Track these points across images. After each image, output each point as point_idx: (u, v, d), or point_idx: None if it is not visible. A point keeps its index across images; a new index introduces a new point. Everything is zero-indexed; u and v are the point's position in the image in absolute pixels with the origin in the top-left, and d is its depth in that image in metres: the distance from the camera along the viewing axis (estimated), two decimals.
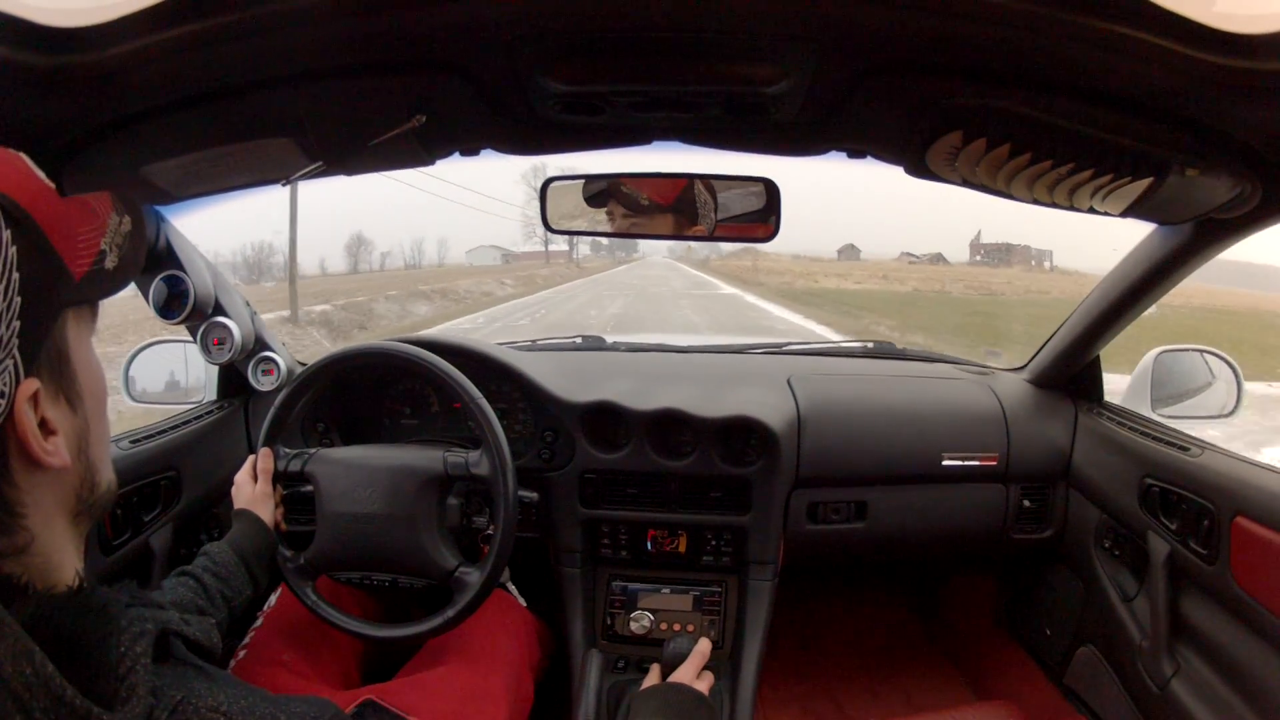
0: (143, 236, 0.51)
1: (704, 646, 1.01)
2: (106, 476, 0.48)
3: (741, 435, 1.26)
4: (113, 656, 0.40)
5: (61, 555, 0.44)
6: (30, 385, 0.40)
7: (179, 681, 0.43)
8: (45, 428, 0.42)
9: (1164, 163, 0.69)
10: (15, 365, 0.39)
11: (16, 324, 0.39)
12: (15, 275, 0.39)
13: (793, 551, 1.33)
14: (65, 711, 0.37)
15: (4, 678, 0.36)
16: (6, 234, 0.39)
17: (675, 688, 0.92)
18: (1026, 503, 1.39)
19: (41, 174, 0.45)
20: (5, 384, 0.39)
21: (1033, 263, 43.54)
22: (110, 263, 0.47)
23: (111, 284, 0.47)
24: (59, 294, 0.43)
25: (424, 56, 0.67)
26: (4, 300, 0.39)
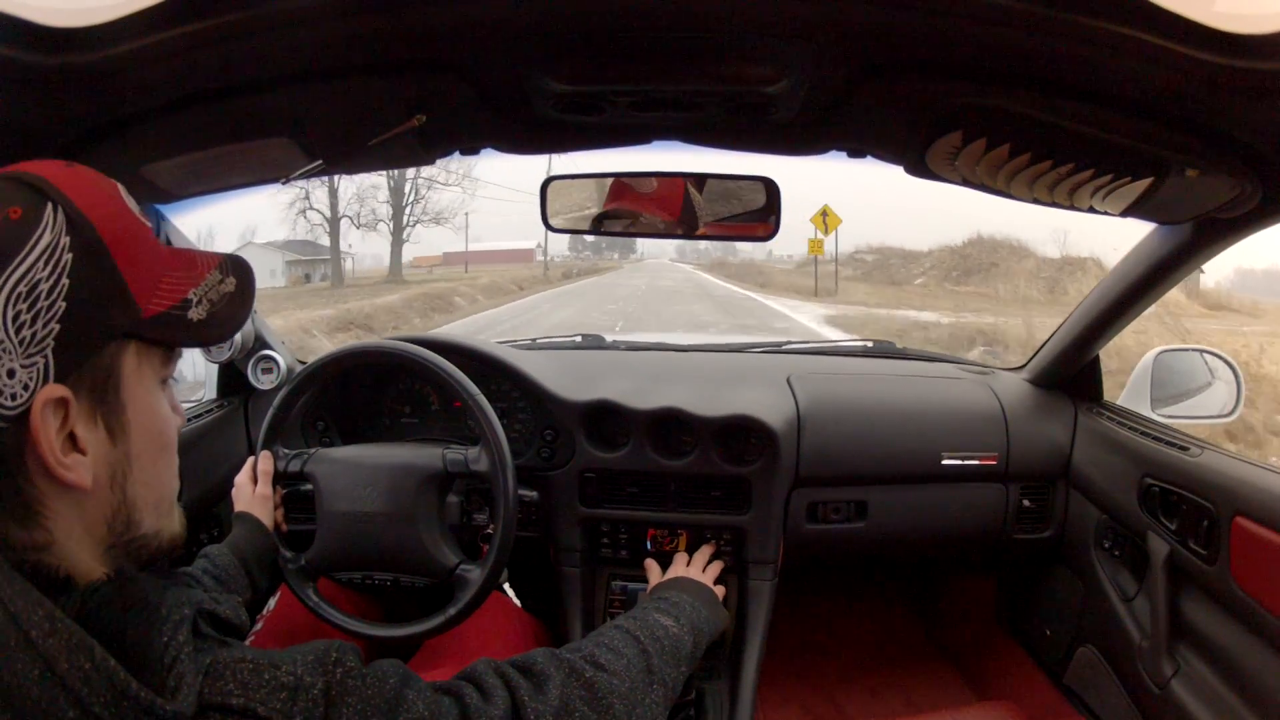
0: (245, 304, 0.52)
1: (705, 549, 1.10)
2: (153, 524, 0.48)
3: (741, 434, 1.26)
4: (158, 646, 0.40)
5: (89, 567, 0.44)
6: (55, 390, 0.40)
7: (205, 649, 0.44)
8: (75, 444, 0.42)
9: (1164, 163, 0.69)
10: (46, 365, 0.40)
11: (55, 327, 0.40)
12: (65, 281, 0.41)
13: (792, 551, 1.33)
14: (128, 704, 0.37)
15: (58, 673, 0.35)
16: (66, 239, 0.41)
17: (686, 580, 0.89)
18: (1026, 502, 1.38)
19: (134, 206, 0.47)
20: (31, 379, 0.40)
21: None
22: (195, 314, 0.48)
23: (191, 335, 0.48)
24: (114, 318, 0.44)
25: (424, 56, 0.67)
26: (47, 299, 0.40)
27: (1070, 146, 0.70)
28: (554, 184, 0.98)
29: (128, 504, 0.46)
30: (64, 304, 0.40)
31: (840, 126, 0.82)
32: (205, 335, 0.49)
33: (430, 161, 0.89)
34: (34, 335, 0.39)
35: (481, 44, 0.64)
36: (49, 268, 0.40)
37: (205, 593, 0.50)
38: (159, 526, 0.48)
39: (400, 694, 0.47)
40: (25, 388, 0.39)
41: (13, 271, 0.39)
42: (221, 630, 0.48)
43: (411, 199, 23.09)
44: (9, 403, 0.39)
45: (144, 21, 0.48)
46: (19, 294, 0.39)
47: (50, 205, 0.41)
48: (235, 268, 0.52)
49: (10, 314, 0.39)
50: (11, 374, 0.39)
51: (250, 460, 1.01)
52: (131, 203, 0.47)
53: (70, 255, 0.41)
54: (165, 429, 0.48)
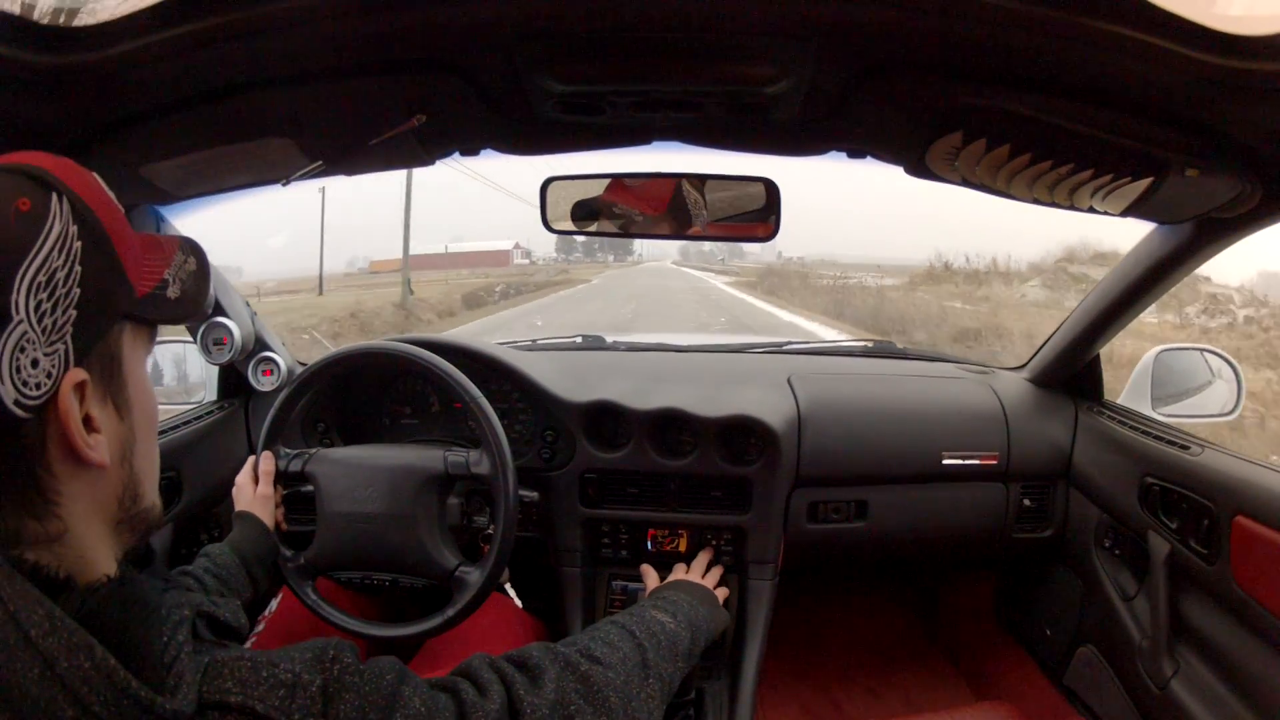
0: (206, 281, 0.55)
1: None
2: (151, 496, 0.50)
3: (742, 434, 1.26)
4: (157, 646, 0.41)
5: (95, 555, 0.44)
6: (78, 374, 0.42)
7: (204, 651, 0.44)
8: (89, 425, 0.43)
9: (1164, 163, 0.69)
10: (66, 351, 0.41)
11: (73, 313, 0.42)
12: (78, 268, 0.42)
13: (793, 551, 1.33)
14: (128, 703, 0.37)
15: (58, 672, 0.36)
16: (74, 228, 0.43)
17: (685, 581, 0.92)
18: (1027, 502, 1.39)
19: (112, 195, 0.49)
20: (54, 367, 0.41)
21: None
22: (172, 293, 0.50)
23: (171, 312, 0.50)
24: (118, 300, 0.45)
25: (424, 56, 0.67)
26: (64, 287, 0.41)
27: (1070, 146, 0.70)
28: (553, 184, 0.98)
29: (135, 478, 0.47)
30: (79, 290, 0.42)
31: (840, 126, 0.82)
32: (183, 312, 0.51)
33: (430, 162, 0.89)
34: (55, 323, 0.41)
35: (481, 44, 0.64)
36: (63, 256, 0.41)
37: (205, 595, 0.50)
38: (153, 499, 0.50)
39: (397, 690, 0.48)
40: (49, 375, 0.40)
41: (31, 262, 0.40)
42: (219, 633, 0.48)
43: None
44: (33, 393, 0.40)
45: (144, 21, 0.48)
46: (39, 284, 0.40)
47: (55, 195, 0.42)
48: (192, 249, 0.55)
49: (32, 304, 0.40)
50: (35, 364, 0.40)
51: (251, 460, 1.01)
52: (108, 188, 0.49)
53: (79, 243, 0.42)
54: (154, 402, 0.51)
